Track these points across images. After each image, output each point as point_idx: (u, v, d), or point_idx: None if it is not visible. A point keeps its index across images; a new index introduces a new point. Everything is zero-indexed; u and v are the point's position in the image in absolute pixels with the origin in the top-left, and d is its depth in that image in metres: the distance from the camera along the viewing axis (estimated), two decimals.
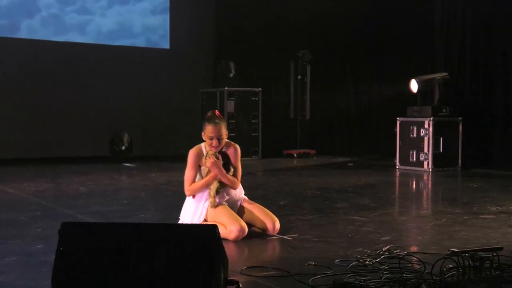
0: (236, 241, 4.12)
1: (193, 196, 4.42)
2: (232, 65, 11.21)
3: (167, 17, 11.65)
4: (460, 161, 9.22)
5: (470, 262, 2.90)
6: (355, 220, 4.98)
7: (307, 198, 6.39)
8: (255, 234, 4.37)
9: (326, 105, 12.52)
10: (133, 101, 11.21)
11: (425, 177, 8.50)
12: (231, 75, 11.18)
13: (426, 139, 9.06)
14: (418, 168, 9.10)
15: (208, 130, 4.31)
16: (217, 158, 4.31)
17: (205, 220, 4.34)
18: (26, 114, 10.39)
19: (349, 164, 10.32)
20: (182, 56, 11.61)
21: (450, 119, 9.20)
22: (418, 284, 2.96)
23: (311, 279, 3.16)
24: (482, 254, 2.95)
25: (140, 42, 11.47)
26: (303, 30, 12.09)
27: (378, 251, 3.71)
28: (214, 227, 2.71)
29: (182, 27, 11.65)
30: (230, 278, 2.89)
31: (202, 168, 4.40)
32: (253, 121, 11.17)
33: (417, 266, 3.35)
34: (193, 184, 4.40)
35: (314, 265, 3.49)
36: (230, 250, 3.75)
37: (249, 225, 4.35)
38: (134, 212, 5.37)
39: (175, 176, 8.32)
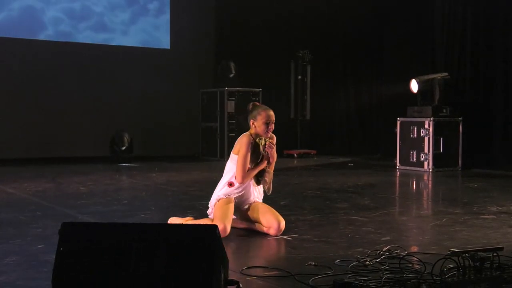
0: (237, 241, 4.12)
1: (232, 185, 4.41)
2: (232, 65, 11.21)
3: (167, 17, 11.65)
4: (460, 161, 9.22)
5: (471, 262, 2.90)
6: (355, 220, 4.98)
7: (307, 198, 6.39)
8: (255, 234, 4.37)
9: (327, 105, 12.52)
10: (134, 101, 11.22)
11: (425, 177, 8.50)
12: (232, 75, 11.18)
13: (426, 139, 9.06)
14: (418, 168, 9.10)
15: (266, 115, 4.52)
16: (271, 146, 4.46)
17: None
18: (27, 114, 10.39)
19: (350, 164, 10.32)
20: (182, 56, 11.62)
21: (450, 119, 9.20)
22: (419, 284, 2.96)
23: (311, 279, 3.16)
24: (482, 254, 2.95)
25: (140, 42, 11.47)
26: (303, 30, 12.09)
27: (378, 251, 3.71)
28: (214, 227, 2.71)
29: (182, 27, 11.65)
30: (230, 278, 2.89)
31: (248, 155, 4.45)
32: None
33: (418, 266, 3.35)
34: (249, 171, 4.43)
35: (315, 265, 3.49)
36: (230, 250, 3.75)
37: (255, 222, 4.38)
38: (135, 212, 5.37)
39: (176, 176, 8.33)
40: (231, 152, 4.52)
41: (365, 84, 12.54)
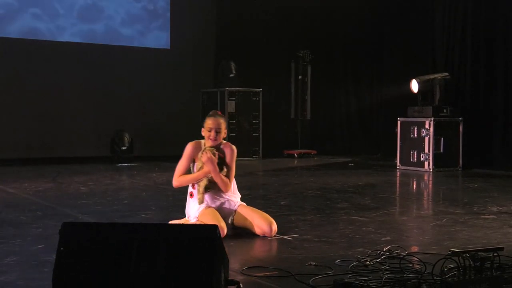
0: (237, 241, 4.12)
1: (191, 195, 4.42)
2: (232, 65, 11.20)
3: (168, 16, 11.65)
4: (460, 161, 9.22)
5: (471, 263, 2.90)
6: (355, 220, 4.98)
7: (307, 198, 6.39)
8: (256, 234, 4.36)
9: (327, 105, 12.53)
10: (134, 101, 11.21)
11: (425, 177, 8.50)
12: (232, 75, 11.17)
13: (426, 139, 9.06)
14: (418, 168, 9.10)
15: (207, 123, 4.41)
16: (214, 155, 4.32)
17: (197, 219, 4.34)
18: (27, 114, 10.39)
19: (350, 164, 10.32)
20: (183, 56, 11.61)
21: (450, 119, 9.19)
22: (419, 285, 2.96)
23: (311, 279, 3.16)
24: (482, 254, 2.95)
25: (140, 42, 11.47)
26: (304, 30, 12.09)
27: (378, 251, 3.71)
28: (214, 227, 2.71)
29: (183, 27, 11.64)
30: (230, 278, 2.89)
31: (196, 163, 4.41)
32: (254, 121, 11.16)
33: (418, 266, 3.35)
34: (183, 176, 4.45)
35: (315, 265, 3.49)
36: (230, 250, 3.75)
37: (246, 228, 4.36)
38: (135, 212, 5.38)
39: None
40: None
41: (365, 84, 12.54)
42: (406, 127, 9.34)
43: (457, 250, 2.98)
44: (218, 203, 4.37)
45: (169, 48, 11.66)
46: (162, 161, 10.30)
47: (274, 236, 4.30)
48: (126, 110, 11.14)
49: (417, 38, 11.11)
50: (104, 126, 10.72)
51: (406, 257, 3.54)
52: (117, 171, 9.01)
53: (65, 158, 10.32)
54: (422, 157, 9.10)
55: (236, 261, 3.57)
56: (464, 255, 2.91)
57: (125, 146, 10.31)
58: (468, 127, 9.37)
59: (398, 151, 9.46)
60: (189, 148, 4.46)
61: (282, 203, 5.93)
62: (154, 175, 8.45)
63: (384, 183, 7.83)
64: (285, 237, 4.31)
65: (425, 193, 7.51)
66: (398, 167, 9.41)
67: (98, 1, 11.11)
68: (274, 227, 4.29)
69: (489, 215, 5.25)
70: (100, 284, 2.60)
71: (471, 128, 9.50)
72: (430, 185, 7.92)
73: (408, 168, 9.24)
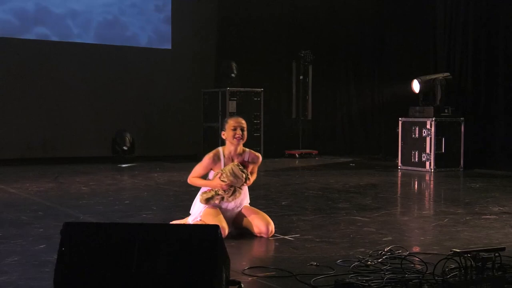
0: (238, 241, 4.12)
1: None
2: (234, 65, 11.21)
3: (169, 17, 11.65)
4: (462, 161, 9.21)
5: (472, 263, 2.90)
6: (357, 221, 4.98)
7: (309, 198, 6.39)
8: (254, 234, 4.36)
9: (328, 106, 12.53)
10: (135, 101, 11.22)
11: (427, 178, 8.49)
12: (233, 75, 11.17)
13: (428, 139, 9.05)
14: (420, 169, 9.09)
15: (230, 124, 4.36)
16: (243, 169, 4.21)
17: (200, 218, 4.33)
18: (28, 114, 10.40)
19: (351, 164, 10.32)
20: (184, 56, 11.62)
21: (452, 119, 9.19)
22: (420, 285, 2.96)
23: (313, 280, 3.16)
24: (484, 255, 2.94)
25: (142, 42, 11.47)
26: (305, 30, 12.09)
27: (380, 252, 3.70)
28: (216, 228, 2.71)
29: (184, 27, 11.65)
30: (232, 278, 2.89)
31: (214, 172, 4.35)
32: (255, 121, 11.16)
33: (419, 267, 3.35)
34: (196, 179, 4.41)
35: (316, 265, 3.49)
36: (232, 251, 3.75)
37: (245, 227, 4.36)
38: (136, 212, 5.38)
39: (177, 176, 8.33)
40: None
41: (366, 84, 12.54)
42: (407, 127, 9.34)
43: (458, 250, 2.98)
44: (226, 204, 4.36)
45: (170, 48, 11.67)
46: (164, 161, 10.31)
47: (272, 236, 4.29)
48: (128, 110, 11.14)
49: (418, 38, 11.11)
50: (106, 126, 10.73)
51: (407, 257, 3.54)
52: (119, 171, 9.01)
53: (67, 158, 10.33)
54: (424, 157, 9.10)
55: (238, 261, 3.57)
56: (466, 255, 2.91)
57: (126, 146, 10.31)
58: (469, 127, 9.36)
59: (400, 151, 9.46)
60: (206, 161, 4.39)
61: (283, 203, 5.93)
62: (156, 175, 8.45)
63: (385, 183, 7.82)
64: (286, 237, 4.31)
65: (427, 193, 7.50)
66: (399, 167, 9.41)
67: (102, 2, 11.11)
68: (271, 227, 4.29)
69: (490, 215, 5.24)
70: (101, 284, 2.60)
71: (473, 128, 9.49)
72: (432, 185, 7.92)
73: (409, 168, 9.24)
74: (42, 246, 4.01)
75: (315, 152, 11.69)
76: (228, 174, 4.15)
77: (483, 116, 9.80)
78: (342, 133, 12.67)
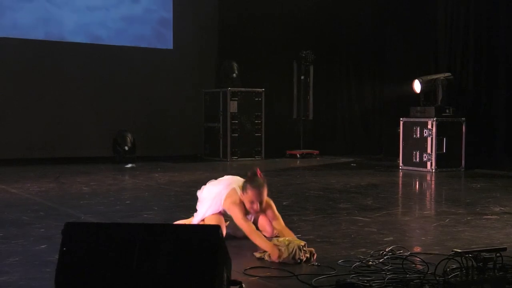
0: (239, 241, 4.11)
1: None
2: (235, 65, 11.21)
3: (170, 17, 11.66)
4: (463, 161, 9.21)
5: (474, 263, 2.89)
6: (358, 221, 4.98)
7: (310, 199, 6.39)
8: None
9: (329, 106, 12.53)
10: (136, 101, 11.22)
11: (428, 178, 8.49)
12: (234, 75, 11.18)
13: (429, 139, 9.05)
14: (421, 169, 9.09)
15: (251, 194, 4.00)
16: (305, 251, 3.67)
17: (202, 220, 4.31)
18: (29, 114, 10.40)
19: (352, 164, 10.32)
20: (185, 56, 11.62)
21: (453, 119, 9.18)
22: (421, 285, 2.95)
23: (314, 280, 3.15)
24: (485, 255, 2.94)
25: (143, 42, 11.47)
26: (306, 30, 12.09)
27: (381, 252, 3.70)
28: (217, 228, 2.71)
29: (185, 27, 11.65)
30: (233, 278, 2.89)
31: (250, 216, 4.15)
32: (256, 121, 11.17)
33: (420, 267, 3.35)
34: (257, 235, 3.92)
35: (317, 265, 3.49)
36: (233, 251, 3.75)
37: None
38: (137, 212, 5.38)
39: (178, 176, 8.33)
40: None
41: (367, 84, 12.54)
42: (408, 128, 9.33)
43: (459, 251, 2.97)
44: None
45: (171, 48, 11.67)
46: (165, 161, 10.31)
47: (275, 236, 4.28)
48: (129, 110, 11.15)
49: (419, 38, 11.11)
50: (107, 126, 10.73)
51: (408, 257, 3.54)
52: (120, 171, 9.01)
53: (68, 158, 10.33)
54: (425, 157, 9.09)
55: (239, 261, 3.57)
56: (467, 255, 2.91)
57: (127, 146, 10.31)
58: (471, 127, 9.35)
59: (401, 151, 9.45)
60: (239, 211, 4.03)
61: (284, 203, 5.92)
62: (157, 175, 8.45)
63: (386, 183, 7.82)
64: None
65: (428, 194, 7.50)
66: (400, 167, 9.41)
67: (101, 1, 11.11)
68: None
69: (491, 216, 5.24)
70: (102, 284, 2.60)
71: (474, 128, 9.48)
72: (433, 186, 7.91)
73: (411, 168, 9.23)
74: (43, 246, 4.01)
75: (316, 152, 11.69)
76: (286, 253, 3.64)
77: (484, 116, 9.79)
78: (343, 133, 12.68)
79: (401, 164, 9.44)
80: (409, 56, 11.31)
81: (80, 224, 2.97)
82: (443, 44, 10.62)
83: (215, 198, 4.27)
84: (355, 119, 12.68)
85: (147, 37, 11.55)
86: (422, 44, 11.07)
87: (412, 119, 9.33)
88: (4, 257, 3.67)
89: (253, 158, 11.00)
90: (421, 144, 9.14)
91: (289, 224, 4.70)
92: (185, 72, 11.62)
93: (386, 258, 3.56)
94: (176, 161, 10.48)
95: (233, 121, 10.93)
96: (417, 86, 9.37)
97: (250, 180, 4.03)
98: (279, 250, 3.60)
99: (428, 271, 3.17)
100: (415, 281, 3.01)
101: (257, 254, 3.71)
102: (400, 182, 8.31)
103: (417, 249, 3.95)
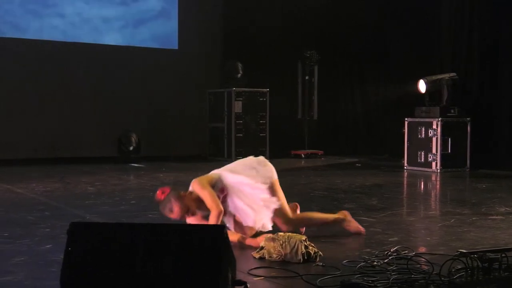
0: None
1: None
2: (239, 65, 11.21)
3: (175, 17, 11.67)
4: (468, 161, 9.18)
5: (479, 263, 2.89)
6: (363, 221, 4.96)
7: (314, 199, 6.38)
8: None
9: (334, 106, 12.52)
10: (141, 102, 11.24)
11: (433, 178, 8.47)
12: (239, 75, 11.18)
13: (434, 139, 9.03)
14: (426, 169, 9.07)
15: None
16: (307, 247, 3.63)
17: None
18: (34, 114, 10.43)
19: (357, 164, 10.30)
20: (190, 56, 11.63)
21: (458, 119, 9.17)
22: (426, 285, 2.95)
23: (319, 280, 3.15)
24: (490, 255, 2.93)
25: (148, 43, 11.48)
26: (311, 30, 12.08)
27: (386, 252, 3.70)
28: (221, 228, 2.71)
29: (190, 28, 11.66)
30: (237, 278, 2.89)
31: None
32: (261, 121, 11.17)
33: (426, 267, 3.34)
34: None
35: (322, 265, 3.48)
36: (238, 251, 3.75)
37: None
38: (142, 212, 5.38)
39: (183, 176, 8.33)
40: None
41: (372, 84, 12.52)
42: (413, 128, 9.32)
43: (465, 251, 2.97)
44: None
45: (176, 48, 11.69)
46: (169, 161, 10.32)
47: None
48: (133, 110, 11.16)
49: (423, 38, 11.08)
50: (111, 126, 10.75)
51: (413, 257, 3.53)
52: (125, 171, 9.02)
53: (72, 159, 10.35)
54: (430, 157, 9.07)
55: (244, 261, 3.57)
56: (472, 256, 2.90)
57: (132, 146, 10.32)
58: (476, 127, 9.33)
59: (405, 151, 9.44)
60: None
61: (289, 203, 5.91)
62: (161, 175, 8.45)
63: (391, 183, 7.81)
64: None
65: (433, 194, 7.49)
66: (405, 167, 9.39)
67: (107, 2, 11.13)
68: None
69: (497, 216, 5.23)
70: (108, 284, 2.61)
71: (479, 128, 9.46)
72: (438, 186, 7.90)
73: (415, 168, 9.21)
74: (48, 246, 4.02)
75: (320, 152, 11.68)
76: (288, 248, 3.56)
77: (489, 116, 9.76)
78: (348, 133, 12.66)
79: (406, 164, 9.43)
80: (413, 56, 11.28)
81: (85, 224, 2.98)
82: (447, 44, 10.59)
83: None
84: (359, 119, 12.67)
85: (152, 37, 11.55)
86: (426, 44, 11.04)
87: (417, 119, 9.32)
88: (9, 257, 3.68)
89: None
90: (426, 144, 9.12)
91: None
92: (190, 72, 11.62)
93: (391, 258, 3.55)
94: (181, 161, 10.48)
95: (237, 121, 10.93)
96: (422, 86, 9.36)
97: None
98: (280, 245, 3.57)
99: (433, 272, 3.16)
100: (420, 281, 3.01)
101: (256, 255, 3.71)
102: (405, 182, 8.29)
103: (422, 250, 3.94)
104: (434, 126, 9.02)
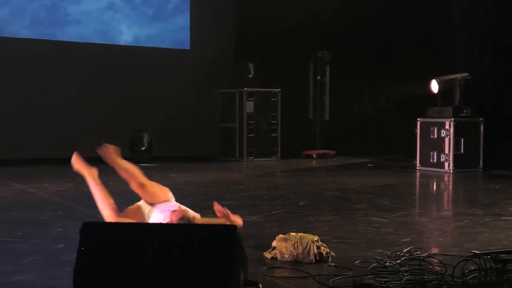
0: (256, 241, 4.10)
1: None
2: (251, 65, 11.21)
3: (187, 17, 11.69)
4: (481, 162, 9.13)
5: (492, 264, 2.87)
6: (374, 221, 4.95)
7: (326, 199, 6.37)
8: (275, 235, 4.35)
9: (346, 106, 12.49)
10: (153, 102, 11.25)
11: (445, 178, 8.43)
12: (251, 75, 11.18)
13: (447, 140, 8.99)
14: (438, 169, 9.03)
15: None
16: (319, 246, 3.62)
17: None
18: (46, 114, 10.47)
19: (369, 165, 10.28)
20: (202, 57, 11.63)
21: (471, 119, 9.12)
22: (439, 286, 2.94)
23: (331, 280, 3.14)
24: (504, 256, 2.92)
25: (160, 43, 11.51)
26: (323, 30, 12.06)
27: (398, 253, 3.68)
28: (233, 228, 2.70)
29: (202, 28, 11.67)
30: (250, 278, 2.89)
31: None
32: (272, 121, 11.16)
33: (438, 268, 3.32)
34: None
35: (334, 266, 3.48)
36: (250, 251, 3.74)
37: None
38: None
39: (194, 176, 8.35)
40: None
41: (384, 85, 12.48)
42: (426, 128, 9.28)
43: (478, 252, 2.95)
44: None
45: (188, 48, 11.71)
46: (181, 162, 10.33)
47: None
48: (145, 110, 11.18)
49: (435, 38, 11.03)
50: (123, 126, 10.77)
51: (426, 258, 3.51)
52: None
53: (85, 158, 10.35)
54: (442, 158, 9.03)
55: (256, 261, 3.57)
56: (485, 257, 2.88)
57: (144, 146, 10.35)
58: (489, 127, 9.28)
59: (418, 151, 9.40)
60: None
61: (300, 203, 5.91)
62: (173, 175, 8.47)
63: (403, 184, 7.78)
64: None
65: (445, 194, 7.45)
66: (417, 168, 9.35)
67: (118, 2, 11.17)
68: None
69: (510, 217, 5.19)
70: (120, 283, 2.61)
71: (492, 128, 9.40)
72: (450, 186, 7.86)
73: (428, 169, 9.17)
74: (61, 245, 4.03)
75: (332, 152, 11.66)
76: (300, 249, 3.55)
77: (502, 116, 9.70)
78: (360, 133, 12.62)
79: (418, 164, 9.39)
80: (426, 55, 11.22)
81: (98, 224, 2.98)
82: (459, 44, 10.53)
83: None
84: (371, 119, 12.62)
85: (164, 38, 11.58)
86: (437, 44, 11.00)
87: (429, 120, 9.28)
88: (22, 257, 3.70)
89: (269, 158, 10.99)
90: (439, 145, 9.08)
91: (305, 224, 4.70)
92: (202, 72, 11.63)
93: (403, 259, 3.53)
94: (193, 161, 10.50)
95: (249, 121, 10.93)
96: (434, 86, 9.32)
97: None
98: (292, 246, 3.56)
99: (446, 273, 3.14)
100: (432, 282, 2.99)
101: (268, 255, 3.71)
102: (417, 183, 8.26)
103: (435, 250, 3.93)
104: (447, 126, 8.98)
